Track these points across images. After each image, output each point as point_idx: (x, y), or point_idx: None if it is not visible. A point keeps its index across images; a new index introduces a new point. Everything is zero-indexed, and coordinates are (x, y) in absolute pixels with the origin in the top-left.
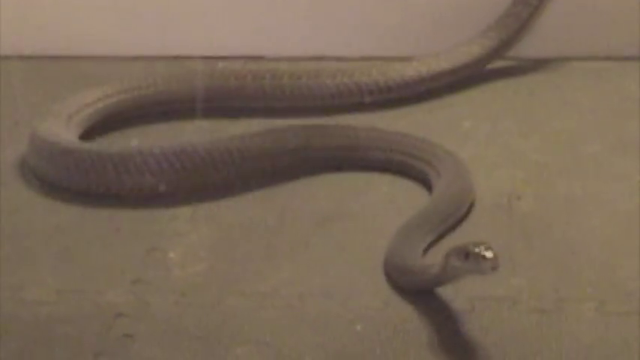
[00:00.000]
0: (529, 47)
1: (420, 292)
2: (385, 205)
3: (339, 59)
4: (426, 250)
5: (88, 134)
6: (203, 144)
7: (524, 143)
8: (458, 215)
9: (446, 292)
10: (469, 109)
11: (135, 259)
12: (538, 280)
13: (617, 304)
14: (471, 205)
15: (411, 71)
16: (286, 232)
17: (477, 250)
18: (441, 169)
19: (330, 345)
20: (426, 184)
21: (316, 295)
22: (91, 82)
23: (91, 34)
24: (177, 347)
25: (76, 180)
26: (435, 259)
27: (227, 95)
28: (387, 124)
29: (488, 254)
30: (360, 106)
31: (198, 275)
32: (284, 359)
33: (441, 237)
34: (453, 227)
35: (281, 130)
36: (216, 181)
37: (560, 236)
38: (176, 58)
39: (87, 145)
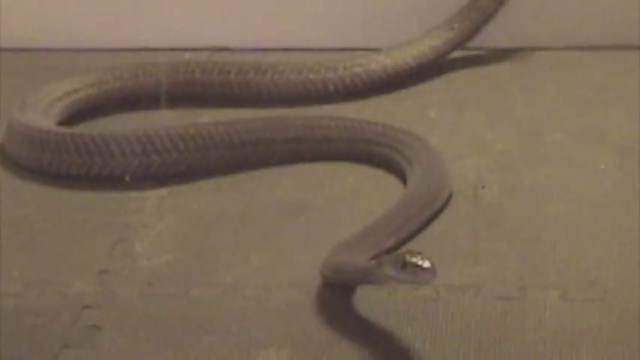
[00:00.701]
0: (493, 37)
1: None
2: (352, 195)
3: (305, 51)
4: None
5: (64, 124)
6: (172, 129)
7: (490, 132)
8: (432, 209)
9: None
10: (435, 99)
11: (102, 250)
12: (502, 268)
13: (580, 292)
14: (449, 197)
15: (375, 65)
16: (253, 222)
17: (414, 260)
18: (415, 162)
19: (296, 335)
20: (400, 175)
21: (283, 285)
22: (60, 74)
23: (59, 26)
24: (144, 337)
25: (51, 161)
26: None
27: (193, 88)
28: (352, 115)
29: (426, 264)
30: (325, 97)
31: (164, 266)
32: (251, 349)
33: (418, 230)
34: (427, 222)
35: (247, 121)
36: (184, 168)
37: (524, 224)
38: (143, 49)
39: (62, 129)
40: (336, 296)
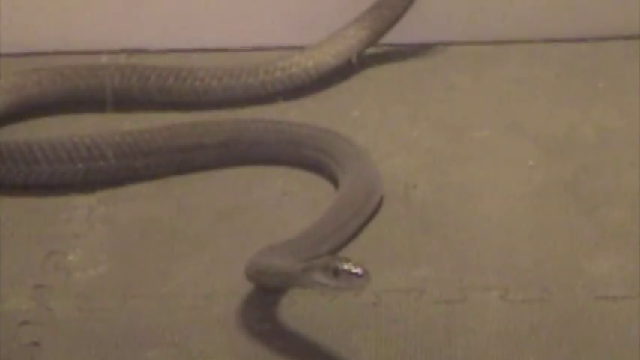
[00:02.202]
0: (406, 33)
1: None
2: (282, 198)
3: (223, 52)
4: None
5: None
6: (98, 136)
7: (415, 130)
8: (365, 214)
9: None
10: (356, 97)
11: (34, 263)
12: (441, 270)
13: (519, 292)
14: (381, 201)
15: (296, 69)
16: (185, 229)
17: (346, 266)
18: (346, 164)
19: (240, 346)
20: (330, 178)
21: (223, 294)
22: None
23: None
24: (86, 354)
25: None
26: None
27: (112, 94)
28: (275, 116)
29: (360, 270)
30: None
31: (99, 278)
32: None
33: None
34: (360, 227)
35: (173, 126)
36: (111, 175)
37: (458, 224)
38: (58, 53)
39: None
40: (277, 304)
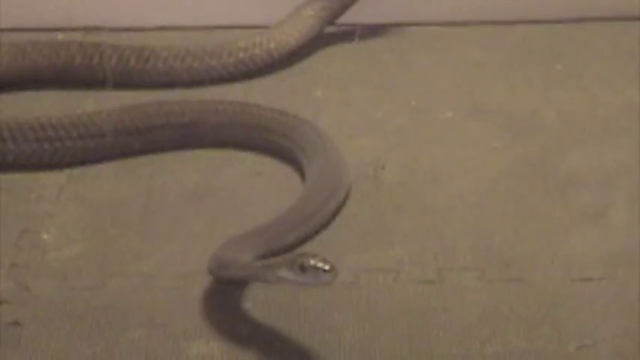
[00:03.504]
0: (363, 13)
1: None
2: (252, 178)
3: (180, 29)
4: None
5: None
6: (65, 116)
7: (379, 111)
8: (331, 207)
9: None
10: (317, 77)
11: (7, 242)
12: (416, 250)
13: (497, 272)
14: (347, 194)
15: (259, 50)
16: (157, 209)
17: (312, 262)
18: (312, 154)
19: (221, 325)
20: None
21: (200, 273)
22: None
23: None
24: (68, 334)
25: None
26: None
27: (72, 73)
28: (238, 96)
29: (327, 266)
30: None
31: (75, 257)
32: (180, 341)
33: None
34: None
35: (140, 106)
36: (78, 155)
37: (429, 204)
38: (15, 29)
39: None
40: (255, 285)
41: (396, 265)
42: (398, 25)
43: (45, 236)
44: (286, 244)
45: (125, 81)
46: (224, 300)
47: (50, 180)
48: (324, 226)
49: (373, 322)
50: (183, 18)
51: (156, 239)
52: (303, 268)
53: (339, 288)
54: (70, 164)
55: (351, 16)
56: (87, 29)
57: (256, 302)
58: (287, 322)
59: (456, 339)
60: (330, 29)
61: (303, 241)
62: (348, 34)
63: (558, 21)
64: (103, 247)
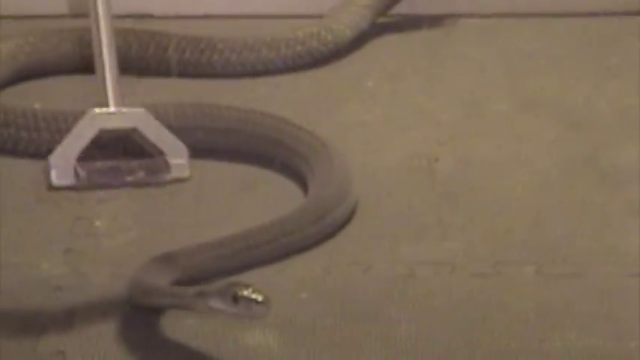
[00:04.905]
0: (416, 4)
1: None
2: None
3: (231, 18)
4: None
5: None
6: None
7: (431, 102)
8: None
9: (383, 257)
10: (369, 67)
11: (62, 228)
12: (472, 244)
13: (554, 266)
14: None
15: (316, 43)
16: (209, 198)
17: (245, 293)
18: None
19: (280, 315)
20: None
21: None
22: None
23: None
24: (124, 321)
25: None
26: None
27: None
28: (290, 87)
29: (260, 297)
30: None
31: (129, 245)
32: (234, 329)
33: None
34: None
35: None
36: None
37: (484, 198)
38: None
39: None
40: (311, 275)
41: (452, 258)
42: (451, 16)
43: (98, 223)
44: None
45: (182, 71)
46: (280, 290)
47: None
48: (269, 257)
49: (429, 315)
50: (232, 6)
51: (207, 227)
52: (235, 299)
53: (395, 280)
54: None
55: (403, 7)
56: (136, 16)
57: (313, 293)
58: (343, 314)
59: (513, 334)
60: (381, 20)
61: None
62: (400, 25)
63: (613, 13)
64: (155, 235)
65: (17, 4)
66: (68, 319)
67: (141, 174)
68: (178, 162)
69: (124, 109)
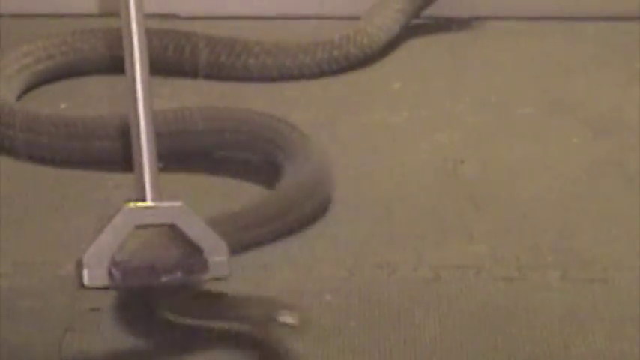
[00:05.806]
0: (443, 6)
1: None
2: None
3: (259, 19)
4: None
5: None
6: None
7: (457, 105)
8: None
9: (408, 259)
10: (396, 69)
11: (87, 228)
12: (497, 247)
13: (580, 271)
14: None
15: (354, 49)
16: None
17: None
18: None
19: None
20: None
21: (280, 265)
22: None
23: None
24: (149, 321)
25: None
26: None
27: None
28: (316, 89)
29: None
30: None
31: None
32: None
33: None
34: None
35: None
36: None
37: (509, 201)
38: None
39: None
40: (335, 276)
41: (477, 262)
42: (479, 18)
43: None
44: None
45: (215, 74)
46: (303, 291)
47: (124, 168)
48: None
49: (454, 318)
50: (257, 8)
51: None
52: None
53: (420, 283)
54: None
55: (433, 10)
56: (162, 17)
57: (337, 295)
58: (368, 316)
59: (539, 339)
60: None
61: None
62: (427, 27)
63: (638, 17)
64: None
65: (48, 2)
66: (93, 317)
67: (178, 274)
68: (217, 260)
69: (162, 204)
